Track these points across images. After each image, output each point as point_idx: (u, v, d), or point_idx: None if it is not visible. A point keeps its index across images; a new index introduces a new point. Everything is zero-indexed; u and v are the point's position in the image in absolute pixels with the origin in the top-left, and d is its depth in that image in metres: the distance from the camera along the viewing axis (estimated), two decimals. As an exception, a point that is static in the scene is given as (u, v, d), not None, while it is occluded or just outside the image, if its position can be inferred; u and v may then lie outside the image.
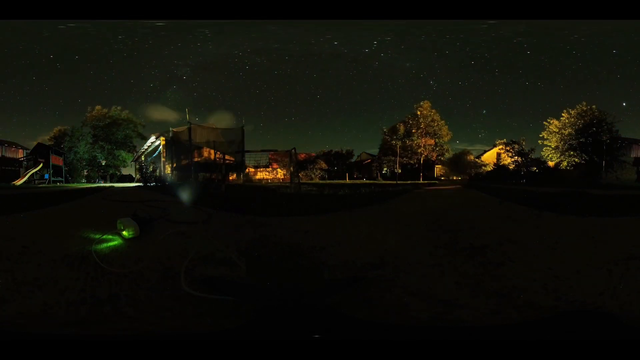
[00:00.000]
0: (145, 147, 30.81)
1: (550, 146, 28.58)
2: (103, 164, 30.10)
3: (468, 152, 34.95)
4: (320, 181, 25.64)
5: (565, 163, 27.66)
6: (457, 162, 34.25)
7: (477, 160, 33.91)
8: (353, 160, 34.92)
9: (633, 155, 24.93)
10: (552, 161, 28.69)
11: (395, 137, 31.78)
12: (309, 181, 24.64)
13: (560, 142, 27.84)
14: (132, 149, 31.16)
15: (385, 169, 31.54)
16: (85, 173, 30.77)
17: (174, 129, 23.52)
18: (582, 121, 26.86)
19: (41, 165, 27.06)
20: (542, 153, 29.04)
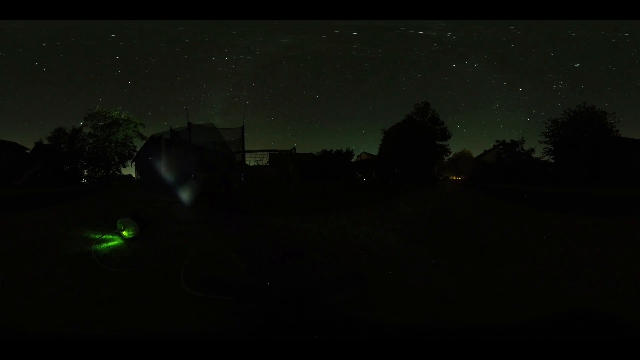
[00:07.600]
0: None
1: (550, 147, 28.56)
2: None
3: (468, 152, 34.92)
4: (321, 181, 25.62)
5: (565, 163, 27.67)
6: (457, 162, 34.24)
7: (476, 160, 33.91)
8: (353, 160, 34.86)
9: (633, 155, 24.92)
10: (551, 161, 28.71)
11: (395, 136, 31.73)
12: (309, 181, 24.60)
13: (559, 142, 27.83)
14: (133, 149, 30.88)
15: (384, 168, 31.51)
16: (86, 173, 30.47)
17: (174, 129, 23.46)
18: (582, 121, 26.85)
19: (41, 165, 27.07)
20: (542, 153, 29.05)
